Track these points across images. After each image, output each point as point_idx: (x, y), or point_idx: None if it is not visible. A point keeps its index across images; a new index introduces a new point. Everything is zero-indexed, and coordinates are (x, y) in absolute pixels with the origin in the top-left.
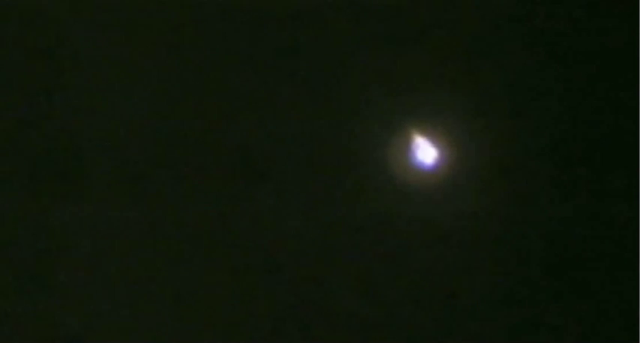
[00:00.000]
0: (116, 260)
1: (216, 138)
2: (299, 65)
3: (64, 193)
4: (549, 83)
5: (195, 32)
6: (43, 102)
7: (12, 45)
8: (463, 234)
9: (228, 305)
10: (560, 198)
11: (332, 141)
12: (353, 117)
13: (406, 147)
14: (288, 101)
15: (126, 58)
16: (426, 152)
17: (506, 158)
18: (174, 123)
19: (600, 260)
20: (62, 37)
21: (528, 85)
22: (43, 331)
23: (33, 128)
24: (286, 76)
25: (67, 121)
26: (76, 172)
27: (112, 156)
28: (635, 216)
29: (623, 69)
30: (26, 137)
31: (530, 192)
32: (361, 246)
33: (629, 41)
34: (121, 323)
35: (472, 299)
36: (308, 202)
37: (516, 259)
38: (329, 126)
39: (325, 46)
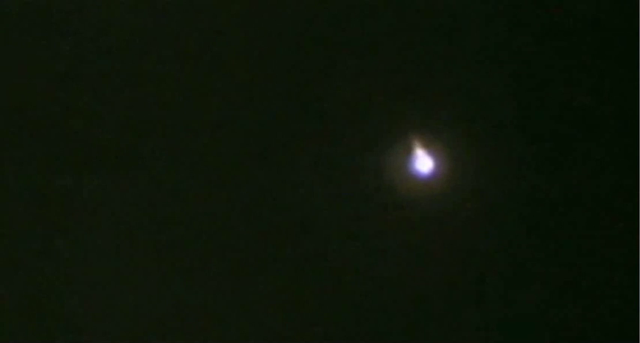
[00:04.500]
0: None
1: (216, 134)
2: (297, 76)
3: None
4: (546, 93)
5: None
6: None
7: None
8: (459, 243)
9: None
10: (558, 209)
11: (330, 152)
12: (351, 127)
13: (404, 156)
14: (285, 113)
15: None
16: (423, 162)
17: (503, 168)
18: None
19: (599, 271)
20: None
21: (525, 96)
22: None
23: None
24: (282, 92)
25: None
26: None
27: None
28: (636, 224)
29: (622, 80)
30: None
31: (527, 203)
32: (358, 254)
33: (629, 41)
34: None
35: (468, 307)
36: (305, 210)
37: (512, 268)
38: (326, 137)
39: (323, 55)
